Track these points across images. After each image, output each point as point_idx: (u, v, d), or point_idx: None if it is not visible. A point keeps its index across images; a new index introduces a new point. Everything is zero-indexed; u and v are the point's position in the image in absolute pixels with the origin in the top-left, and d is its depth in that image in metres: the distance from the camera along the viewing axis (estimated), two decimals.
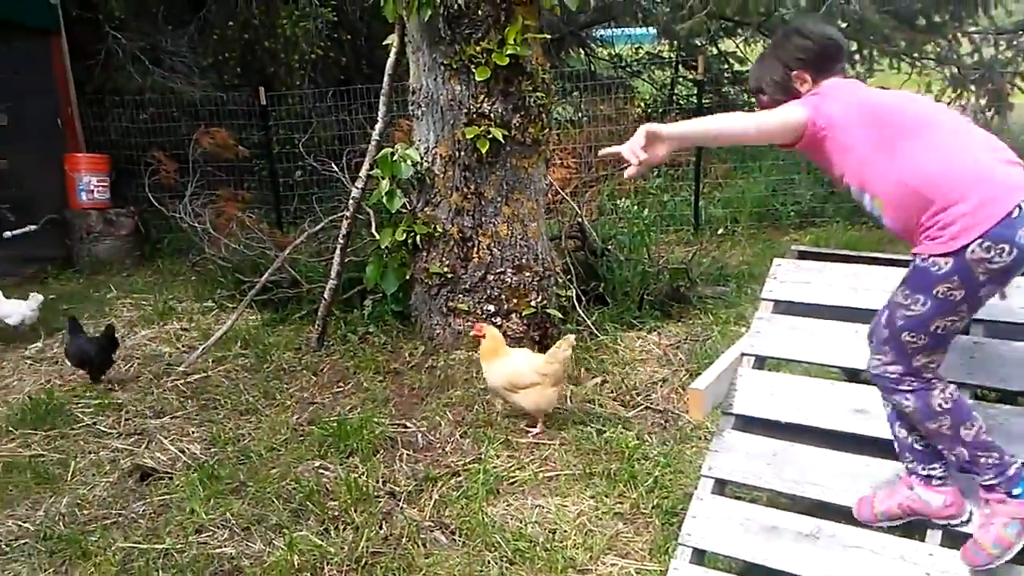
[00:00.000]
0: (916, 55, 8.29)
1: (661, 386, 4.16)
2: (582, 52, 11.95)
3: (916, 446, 2.13)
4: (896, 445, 2.18)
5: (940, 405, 1.97)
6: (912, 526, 2.20)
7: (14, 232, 7.12)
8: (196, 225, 6.54)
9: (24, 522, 3.15)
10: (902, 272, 2.05)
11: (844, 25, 7.31)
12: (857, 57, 8.10)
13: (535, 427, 3.70)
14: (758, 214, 7.63)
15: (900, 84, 9.53)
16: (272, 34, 8.03)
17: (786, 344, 2.60)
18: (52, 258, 7.43)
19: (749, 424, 2.54)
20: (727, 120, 2.21)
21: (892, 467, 2.25)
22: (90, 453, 3.74)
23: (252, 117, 8.38)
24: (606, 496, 3.13)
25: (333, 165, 5.92)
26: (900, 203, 1.99)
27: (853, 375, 2.74)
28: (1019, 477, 1.97)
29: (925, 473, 2.13)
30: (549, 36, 4.26)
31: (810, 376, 2.73)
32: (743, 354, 2.62)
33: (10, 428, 3.98)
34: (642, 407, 3.96)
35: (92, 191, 7.43)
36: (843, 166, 2.10)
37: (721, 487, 2.48)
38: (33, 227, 7.29)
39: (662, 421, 3.82)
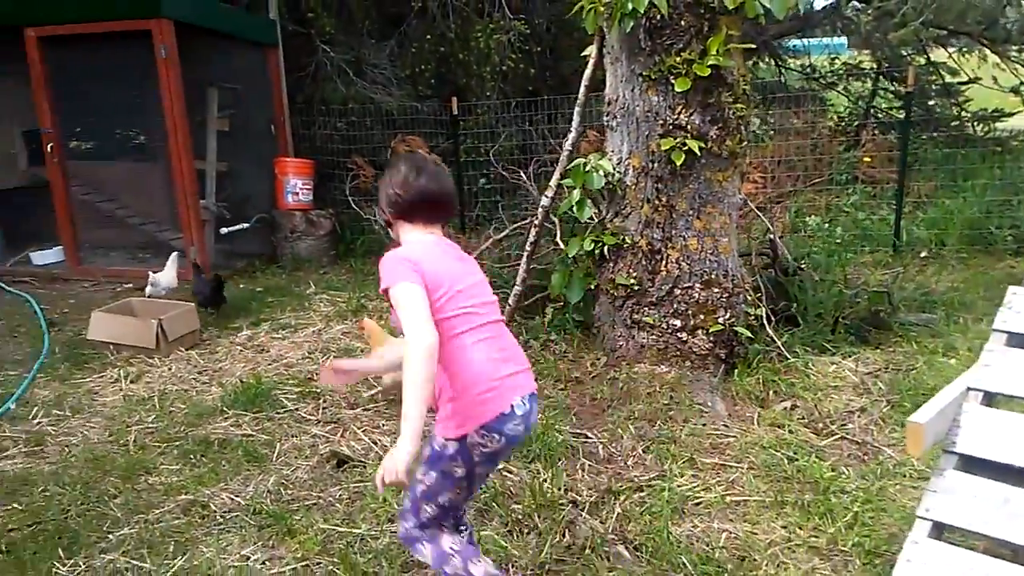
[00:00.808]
0: None
1: (858, 416, 3.90)
2: (772, 62, 11.54)
3: None
4: None
5: (451, 547, 2.31)
6: None
7: (230, 228, 7.80)
8: (388, 228, 6.88)
9: (236, 496, 3.40)
10: None
11: None
12: None
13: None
14: (968, 237, 7.00)
15: None
16: (466, 47, 8.33)
17: (1021, 380, 2.36)
18: (259, 254, 8.08)
19: (974, 465, 2.32)
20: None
21: None
22: (292, 437, 4.00)
23: (441, 126, 8.74)
24: (799, 528, 2.97)
25: (522, 174, 6.02)
26: None
27: None
28: None
29: None
30: (753, 46, 4.11)
31: None
32: (969, 388, 2.41)
33: (224, 408, 4.33)
34: (837, 436, 3.73)
35: (297, 193, 7.99)
36: None
37: (939, 531, 2.28)
38: (245, 225, 7.94)
39: (860, 453, 3.58)
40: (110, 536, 3.10)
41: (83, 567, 2.91)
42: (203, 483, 3.50)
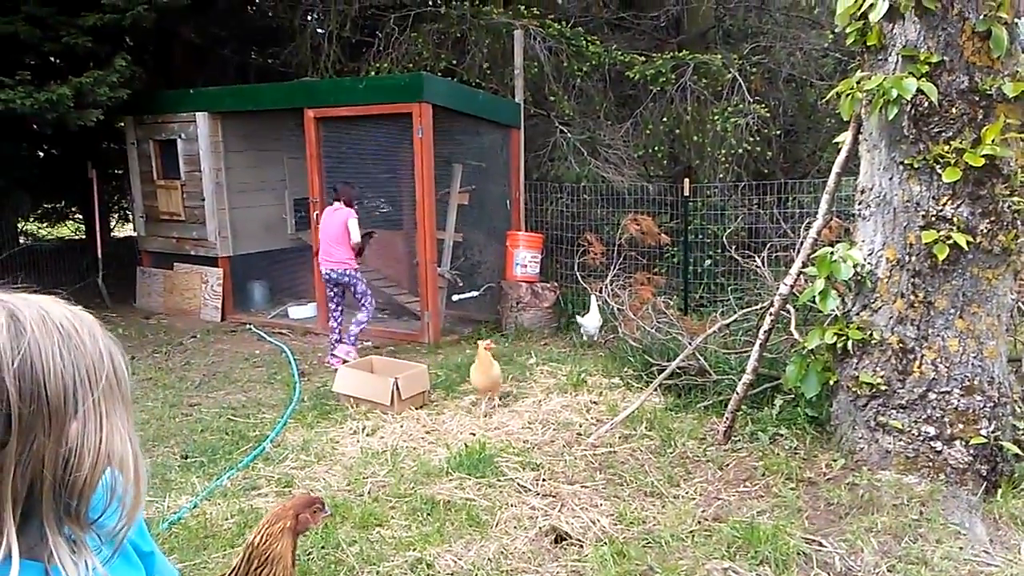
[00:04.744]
0: None
1: None
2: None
3: None
4: None
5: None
6: None
7: (461, 296, 8.22)
8: (612, 304, 6.93)
9: (459, 559, 3.48)
10: None
11: None
12: None
13: None
14: None
15: None
16: (701, 129, 8.34)
17: None
18: (485, 321, 8.42)
19: None
20: None
21: None
22: (512, 506, 4.04)
23: (667, 206, 8.73)
24: None
25: (756, 259, 5.86)
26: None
27: None
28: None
29: None
30: None
31: None
32: None
33: (449, 470, 4.48)
34: None
35: (526, 266, 8.28)
36: None
37: None
38: (475, 293, 8.34)
39: None
40: None
41: None
42: (429, 542, 3.62)
